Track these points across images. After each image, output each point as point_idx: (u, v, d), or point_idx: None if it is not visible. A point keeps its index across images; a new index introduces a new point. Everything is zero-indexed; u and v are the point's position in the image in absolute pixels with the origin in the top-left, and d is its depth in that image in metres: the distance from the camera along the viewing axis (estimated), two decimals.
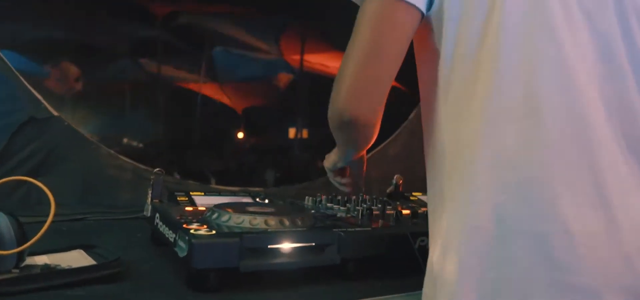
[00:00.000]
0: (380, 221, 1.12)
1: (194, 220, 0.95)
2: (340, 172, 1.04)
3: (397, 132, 2.47)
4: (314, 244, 0.95)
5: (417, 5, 0.71)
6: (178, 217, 0.98)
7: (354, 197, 1.29)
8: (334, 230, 0.99)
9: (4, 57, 1.69)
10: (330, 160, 1.03)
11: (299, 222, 1.00)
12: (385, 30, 0.72)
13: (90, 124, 2.13)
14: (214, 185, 2.26)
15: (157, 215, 1.07)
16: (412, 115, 2.49)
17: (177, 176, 2.83)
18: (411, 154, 2.40)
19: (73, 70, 2.10)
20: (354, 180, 1.06)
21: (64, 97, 2.06)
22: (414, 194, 1.77)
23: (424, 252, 0.85)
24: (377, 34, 0.72)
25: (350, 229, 1.01)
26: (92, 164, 1.82)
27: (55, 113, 1.77)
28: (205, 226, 0.90)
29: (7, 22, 1.76)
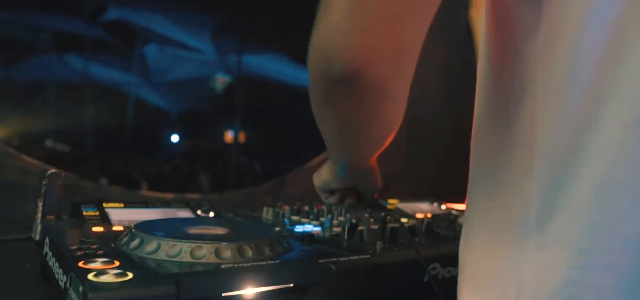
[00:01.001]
0: (379, 243, 0.79)
1: (101, 251, 0.59)
2: (344, 194, 0.82)
3: None
4: (291, 284, 0.61)
5: None
6: (74, 247, 0.61)
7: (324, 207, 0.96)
8: (321, 261, 0.65)
9: None
10: (322, 177, 0.81)
11: (268, 251, 0.65)
12: None
13: None
14: (142, 192, 1.88)
15: (47, 240, 0.70)
16: None
17: (104, 182, 2.48)
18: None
19: None
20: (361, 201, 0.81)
21: None
22: (390, 201, 1.46)
23: (444, 285, 0.61)
24: None
25: (343, 259, 0.67)
26: None
27: None
28: (116, 263, 0.55)
29: None
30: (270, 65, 7.12)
